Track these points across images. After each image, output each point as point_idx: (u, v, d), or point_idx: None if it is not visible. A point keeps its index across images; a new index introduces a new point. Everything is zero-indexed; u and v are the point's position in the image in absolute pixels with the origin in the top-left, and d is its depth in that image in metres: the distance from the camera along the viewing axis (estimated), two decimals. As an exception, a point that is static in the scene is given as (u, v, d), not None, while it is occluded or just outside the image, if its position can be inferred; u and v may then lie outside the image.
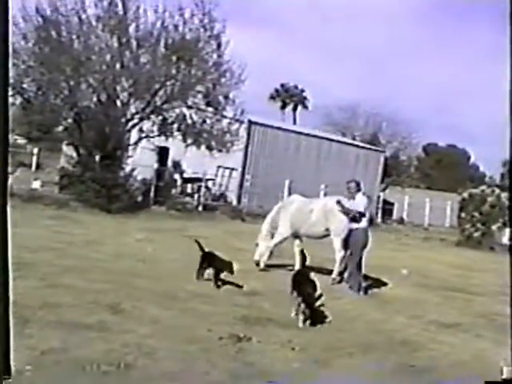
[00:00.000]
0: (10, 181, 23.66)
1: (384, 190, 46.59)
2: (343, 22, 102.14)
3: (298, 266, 13.70)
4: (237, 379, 6.38)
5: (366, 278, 13.13)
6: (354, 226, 12.76)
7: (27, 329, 7.18)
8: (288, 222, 14.24)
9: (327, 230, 13.56)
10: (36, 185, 27.24)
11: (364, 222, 12.87)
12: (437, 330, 9.67)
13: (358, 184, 13.22)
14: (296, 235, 14.33)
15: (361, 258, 12.76)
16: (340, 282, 13.03)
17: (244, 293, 11.10)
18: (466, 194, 29.70)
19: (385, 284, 13.83)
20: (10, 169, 25.37)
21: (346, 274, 12.87)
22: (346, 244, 13.02)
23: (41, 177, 29.25)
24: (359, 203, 12.89)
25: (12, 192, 22.66)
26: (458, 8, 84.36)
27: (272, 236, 14.50)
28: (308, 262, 12.04)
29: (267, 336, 8.06)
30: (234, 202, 33.20)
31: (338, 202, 13.10)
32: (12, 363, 4.37)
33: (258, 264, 14.30)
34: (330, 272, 13.42)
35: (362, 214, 12.79)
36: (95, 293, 9.53)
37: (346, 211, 12.91)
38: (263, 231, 14.70)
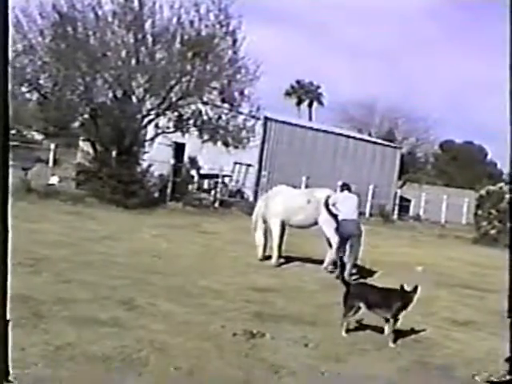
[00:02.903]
0: (28, 176, 23.85)
1: (401, 186, 46.41)
2: (360, 20, 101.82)
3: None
4: (250, 375, 6.41)
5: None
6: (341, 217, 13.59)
7: (42, 324, 7.25)
8: (279, 212, 14.63)
9: (316, 219, 14.21)
10: (53, 180, 27.35)
11: (343, 215, 13.55)
12: (451, 328, 9.65)
13: (347, 186, 14.41)
14: (288, 225, 14.82)
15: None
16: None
17: (257, 288, 11.12)
18: (483, 191, 29.48)
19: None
20: (27, 164, 25.55)
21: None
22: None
23: (58, 172, 29.38)
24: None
25: (30, 188, 22.82)
26: (475, 3, 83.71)
27: (265, 229, 14.86)
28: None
29: (280, 332, 8.08)
30: (251, 198, 33.18)
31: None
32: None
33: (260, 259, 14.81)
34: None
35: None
36: (110, 288, 9.59)
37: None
38: (253, 224, 15.10)
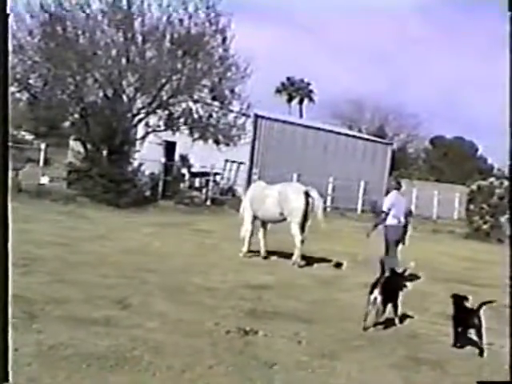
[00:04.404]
0: (19, 176, 23.74)
1: (392, 182, 46.38)
2: (350, 15, 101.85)
3: (263, 252, 14.73)
4: (243, 372, 6.39)
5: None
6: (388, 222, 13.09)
7: (35, 324, 7.23)
8: (248, 206, 15.10)
9: (281, 214, 14.33)
10: (44, 180, 27.27)
11: (390, 219, 13.06)
12: (444, 323, 9.64)
13: (397, 183, 13.89)
14: (261, 220, 15.10)
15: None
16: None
17: (251, 286, 11.10)
18: (474, 186, 29.52)
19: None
20: (18, 165, 25.42)
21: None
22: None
23: (49, 172, 29.28)
24: (385, 200, 13.44)
25: (20, 188, 22.73)
26: (466, 0, 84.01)
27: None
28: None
29: (274, 329, 8.07)
30: (242, 196, 33.08)
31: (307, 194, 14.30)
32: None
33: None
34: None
35: (382, 212, 13.24)
36: (103, 288, 9.56)
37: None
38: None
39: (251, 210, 14.97)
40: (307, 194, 14.28)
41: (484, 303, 8.28)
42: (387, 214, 13.04)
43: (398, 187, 13.61)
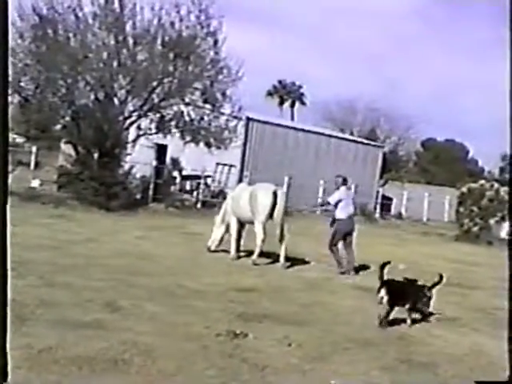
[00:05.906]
0: (9, 179, 23.65)
1: (383, 185, 46.54)
2: (341, 18, 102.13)
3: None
4: (234, 375, 6.40)
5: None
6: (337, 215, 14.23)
7: (25, 327, 7.21)
8: (230, 208, 15.30)
9: (253, 214, 14.52)
10: (35, 183, 27.26)
11: (340, 213, 14.19)
12: (434, 325, 9.68)
13: (343, 179, 14.64)
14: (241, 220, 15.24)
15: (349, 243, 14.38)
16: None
17: (240, 288, 11.12)
18: (464, 189, 29.61)
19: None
20: (9, 167, 25.43)
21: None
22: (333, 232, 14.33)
23: (39, 175, 29.25)
24: (333, 195, 14.53)
25: (11, 191, 22.66)
26: (457, 2, 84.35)
27: (227, 225, 15.42)
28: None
29: (264, 332, 8.08)
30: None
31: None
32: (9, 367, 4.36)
33: (209, 249, 15.42)
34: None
35: (328, 203, 14.73)
36: (93, 291, 9.55)
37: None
38: (217, 220, 15.67)
39: (233, 212, 15.10)
40: (275, 194, 14.52)
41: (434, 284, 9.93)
42: (335, 206, 14.17)
43: (346, 183, 14.66)
